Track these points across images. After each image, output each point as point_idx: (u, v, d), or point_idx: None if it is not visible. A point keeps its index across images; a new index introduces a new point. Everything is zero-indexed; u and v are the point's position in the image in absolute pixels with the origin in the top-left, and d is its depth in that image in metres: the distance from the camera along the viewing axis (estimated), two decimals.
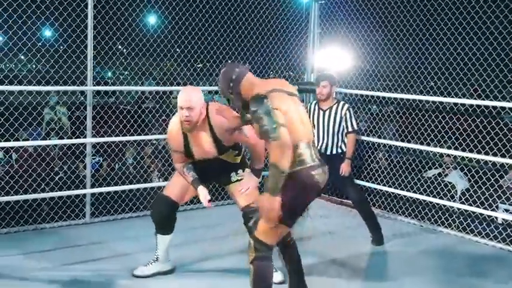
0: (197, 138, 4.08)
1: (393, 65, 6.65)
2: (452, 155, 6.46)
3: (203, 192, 4.11)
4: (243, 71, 3.54)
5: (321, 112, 5.63)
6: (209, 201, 4.10)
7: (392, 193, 6.37)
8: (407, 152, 6.88)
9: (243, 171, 4.33)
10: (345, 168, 5.50)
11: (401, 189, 6.31)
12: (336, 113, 5.57)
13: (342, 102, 5.62)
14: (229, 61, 8.01)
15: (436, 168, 6.96)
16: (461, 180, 6.39)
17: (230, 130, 4.04)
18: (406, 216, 6.31)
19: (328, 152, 5.57)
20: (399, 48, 6.51)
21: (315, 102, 5.73)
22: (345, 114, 5.55)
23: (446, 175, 6.63)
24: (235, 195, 4.33)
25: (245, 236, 4.67)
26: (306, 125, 3.49)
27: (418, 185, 6.26)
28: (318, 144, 5.59)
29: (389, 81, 6.60)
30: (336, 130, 5.57)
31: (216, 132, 4.05)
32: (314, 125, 5.64)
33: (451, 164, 6.75)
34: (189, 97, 3.93)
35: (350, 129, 5.55)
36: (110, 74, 14.80)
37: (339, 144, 5.60)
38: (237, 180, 4.32)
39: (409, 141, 6.49)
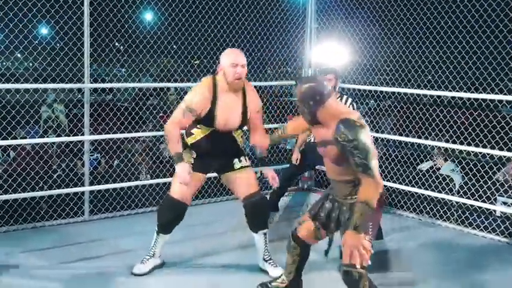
0: (228, 104, 4.07)
1: (390, 59, 6.65)
2: (443, 147, 6.45)
3: (185, 166, 4.00)
4: (329, 94, 3.35)
5: None
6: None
7: (391, 187, 6.37)
8: (405, 145, 6.88)
9: (245, 160, 4.33)
10: None
11: (399, 183, 6.31)
12: None
13: (345, 96, 5.53)
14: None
15: (428, 161, 6.97)
16: (456, 174, 6.40)
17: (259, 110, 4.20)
18: (404, 210, 6.32)
19: None
20: (396, 42, 6.51)
21: None
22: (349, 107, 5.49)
23: (438, 168, 6.64)
24: (235, 184, 4.29)
25: (244, 232, 4.70)
26: None
27: (417, 179, 6.26)
28: None
29: (387, 76, 6.59)
30: None
31: (248, 105, 4.12)
32: None
33: (442, 156, 6.76)
34: (243, 55, 4.04)
35: None
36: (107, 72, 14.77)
37: None
38: (241, 168, 4.29)
39: (407, 135, 6.49)
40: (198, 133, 4.22)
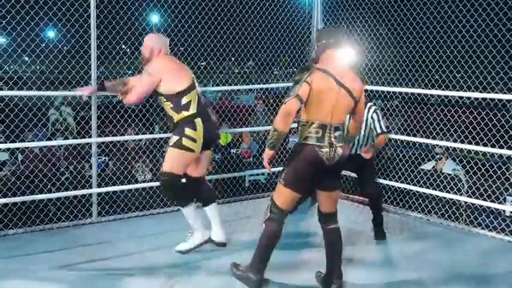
0: None
1: (397, 59, 6.64)
2: (451, 147, 6.43)
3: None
4: (335, 43, 3.91)
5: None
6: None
7: (398, 187, 6.36)
8: (413, 145, 6.87)
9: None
10: (367, 149, 5.30)
11: (407, 183, 6.30)
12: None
13: (368, 104, 5.45)
14: (233, 59, 8.04)
15: (430, 160, 6.96)
16: (461, 174, 6.39)
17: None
18: (412, 210, 6.30)
19: (353, 152, 5.42)
20: (403, 42, 6.50)
21: None
22: (372, 116, 5.41)
23: (441, 169, 6.63)
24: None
25: (252, 233, 4.70)
26: (337, 113, 3.87)
27: (425, 179, 6.25)
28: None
29: (394, 76, 6.58)
30: (361, 134, 5.42)
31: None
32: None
33: (443, 155, 6.75)
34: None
35: (379, 131, 5.39)
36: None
37: (364, 144, 5.46)
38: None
39: (414, 135, 6.48)
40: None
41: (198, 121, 4.67)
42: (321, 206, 4.15)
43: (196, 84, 4.81)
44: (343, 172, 6.27)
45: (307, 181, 3.96)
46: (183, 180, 4.89)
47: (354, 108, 3.98)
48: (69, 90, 5.43)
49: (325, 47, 3.91)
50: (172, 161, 4.67)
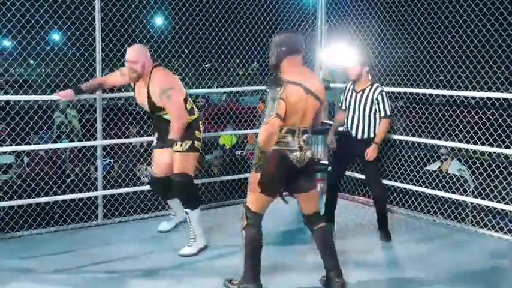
0: (138, 88, 4.96)
1: (402, 59, 6.63)
2: (457, 148, 6.42)
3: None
4: (296, 50, 3.99)
5: (354, 93, 5.49)
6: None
7: (404, 188, 6.35)
8: (418, 146, 6.86)
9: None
10: (370, 152, 5.34)
11: (412, 184, 6.29)
12: (367, 96, 5.40)
13: (375, 85, 5.44)
14: (237, 60, 8.06)
15: (435, 161, 6.94)
16: (467, 174, 6.37)
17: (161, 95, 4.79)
18: (418, 211, 6.29)
19: (359, 136, 5.44)
20: (407, 42, 6.49)
21: (351, 82, 5.56)
22: (377, 98, 5.36)
23: (446, 170, 6.61)
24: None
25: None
26: (305, 118, 3.98)
27: (430, 180, 6.24)
28: (350, 126, 5.50)
29: (399, 76, 6.57)
30: (366, 114, 5.39)
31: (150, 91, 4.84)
32: (348, 106, 5.54)
33: (449, 156, 6.74)
34: (129, 51, 4.84)
35: (382, 113, 5.36)
36: None
37: (371, 129, 5.41)
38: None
39: (419, 136, 6.47)
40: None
41: (199, 121, 5.05)
42: (303, 208, 4.23)
43: None
44: (347, 173, 6.29)
45: (279, 184, 4.06)
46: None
47: (318, 109, 4.11)
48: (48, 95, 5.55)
49: (285, 54, 3.96)
50: (187, 163, 4.90)
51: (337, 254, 4.18)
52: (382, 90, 5.43)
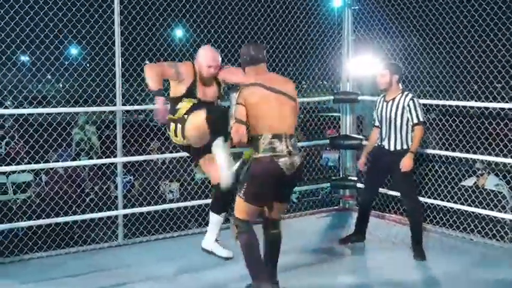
0: (205, 81, 4.57)
1: (433, 70, 6.57)
2: (486, 161, 6.33)
3: (162, 100, 4.25)
4: (257, 59, 4.19)
5: (385, 103, 5.45)
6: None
7: (438, 205, 6.28)
8: (452, 161, 6.78)
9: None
10: (405, 162, 5.26)
11: (447, 200, 6.21)
12: (398, 104, 5.35)
13: (406, 93, 5.40)
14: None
15: (470, 176, 6.85)
16: (504, 189, 6.28)
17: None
18: (454, 229, 6.20)
19: (392, 148, 5.38)
20: (439, 52, 6.44)
21: (382, 95, 5.54)
22: (408, 105, 5.30)
23: (483, 185, 6.52)
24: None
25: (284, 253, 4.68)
26: (284, 119, 4.06)
27: (466, 196, 6.16)
28: (383, 140, 5.45)
29: (430, 87, 6.52)
30: (398, 123, 5.34)
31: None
32: (380, 119, 5.50)
33: (485, 170, 6.64)
34: (218, 55, 4.53)
35: (415, 121, 5.29)
36: None
37: (403, 139, 5.35)
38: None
39: (453, 150, 6.40)
40: (184, 106, 4.49)
41: None
42: (269, 213, 4.28)
43: None
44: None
45: (268, 194, 4.11)
46: None
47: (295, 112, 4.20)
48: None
49: (245, 64, 4.23)
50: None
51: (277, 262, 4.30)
52: (414, 97, 5.37)
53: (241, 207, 4.14)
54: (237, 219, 4.17)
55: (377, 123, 5.62)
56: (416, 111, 5.31)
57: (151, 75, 4.32)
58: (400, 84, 5.46)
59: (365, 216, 5.69)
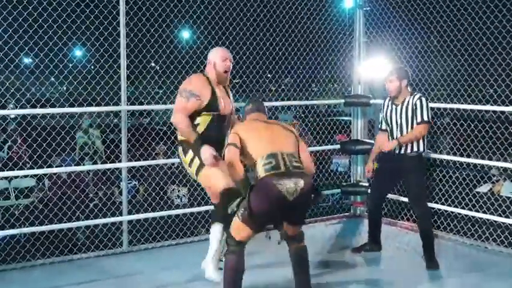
0: (221, 91, 4.72)
1: (447, 73, 6.53)
2: (501, 167, 6.29)
3: (209, 151, 4.39)
4: (253, 109, 4.54)
5: (394, 107, 5.41)
6: (215, 158, 4.41)
7: (452, 212, 6.23)
8: (466, 167, 6.74)
9: None
10: (387, 144, 5.33)
11: (461, 207, 6.17)
12: (407, 105, 5.31)
13: (415, 93, 5.37)
14: (269, 75, 8.07)
15: (486, 182, 6.80)
16: None
17: None
18: (467, 237, 6.16)
19: (402, 151, 5.33)
20: (453, 54, 6.40)
21: (389, 97, 5.49)
22: (415, 103, 5.27)
23: (498, 192, 6.48)
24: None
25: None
26: (279, 141, 4.14)
27: (481, 203, 6.12)
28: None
29: (444, 91, 6.48)
30: (409, 125, 5.29)
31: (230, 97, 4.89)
32: (390, 122, 5.45)
33: (501, 176, 6.60)
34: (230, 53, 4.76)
35: (419, 119, 5.25)
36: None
37: (414, 142, 5.30)
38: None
39: (468, 156, 6.36)
40: (203, 120, 4.62)
41: None
42: (286, 230, 4.19)
43: None
44: (389, 195, 6.20)
45: (266, 221, 4.08)
46: None
47: (298, 145, 4.23)
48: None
49: (247, 113, 4.53)
50: None
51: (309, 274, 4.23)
52: (422, 97, 5.34)
53: (236, 226, 4.07)
54: (230, 236, 4.11)
55: (384, 127, 5.57)
56: (422, 109, 5.26)
57: (183, 127, 4.51)
58: (408, 88, 5.43)
59: (376, 223, 5.66)
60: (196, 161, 4.56)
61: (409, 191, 5.51)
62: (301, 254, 4.20)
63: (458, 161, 6.29)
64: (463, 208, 6.16)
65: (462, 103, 6.40)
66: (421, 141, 5.33)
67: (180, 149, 4.71)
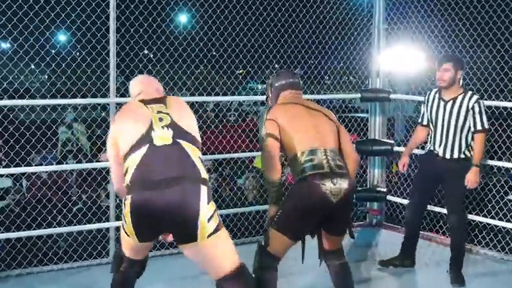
0: None
1: (478, 66, 6.48)
2: None
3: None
4: (286, 86, 4.29)
5: (442, 103, 5.29)
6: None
7: (480, 222, 6.17)
8: (497, 171, 6.70)
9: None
10: (471, 178, 5.17)
11: (491, 217, 6.13)
12: (460, 106, 5.19)
13: (470, 93, 5.26)
14: (277, 65, 8.03)
15: None
16: None
17: None
18: (498, 250, 6.11)
19: (448, 156, 5.25)
20: (485, 45, 6.35)
21: (435, 90, 5.39)
22: (473, 107, 5.16)
23: None
24: None
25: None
26: (322, 135, 4.02)
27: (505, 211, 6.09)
28: (435, 144, 5.33)
29: (474, 86, 6.43)
30: (459, 127, 5.20)
31: None
32: (434, 120, 5.35)
33: None
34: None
35: (479, 127, 5.15)
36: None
37: (463, 147, 5.23)
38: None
39: (499, 159, 6.32)
40: None
41: None
42: (325, 245, 4.14)
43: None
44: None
45: (306, 226, 3.97)
46: None
47: (338, 137, 4.11)
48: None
49: (278, 90, 4.29)
50: None
51: None
52: (480, 99, 5.25)
53: (272, 237, 3.98)
54: (262, 250, 4.02)
55: (425, 122, 5.49)
56: (481, 115, 5.18)
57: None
58: (461, 81, 5.32)
59: (414, 236, 5.59)
60: None
61: (449, 198, 5.42)
62: (346, 272, 4.15)
63: (488, 165, 6.23)
64: (493, 218, 6.11)
65: (494, 99, 6.35)
66: (469, 147, 5.26)
67: None
